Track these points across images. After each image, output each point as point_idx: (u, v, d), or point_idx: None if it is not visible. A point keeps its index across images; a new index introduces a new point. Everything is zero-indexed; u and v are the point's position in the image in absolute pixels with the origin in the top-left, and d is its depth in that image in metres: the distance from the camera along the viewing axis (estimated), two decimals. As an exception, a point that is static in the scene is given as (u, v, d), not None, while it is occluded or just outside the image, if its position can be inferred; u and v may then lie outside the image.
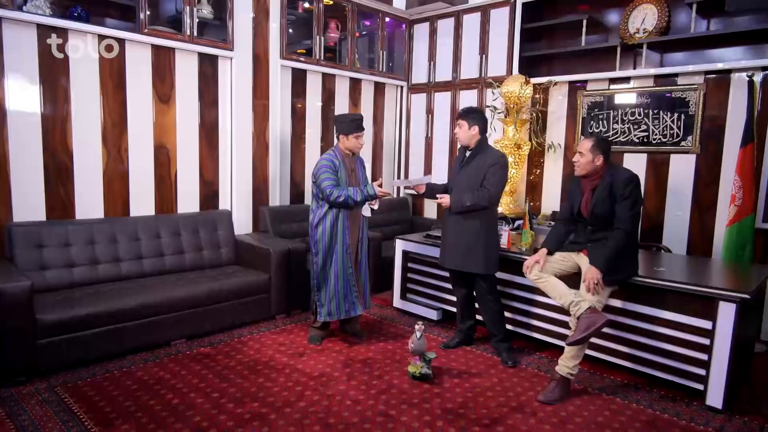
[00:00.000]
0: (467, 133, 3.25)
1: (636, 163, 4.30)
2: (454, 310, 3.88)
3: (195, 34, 4.05)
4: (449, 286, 3.95)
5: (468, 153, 3.31)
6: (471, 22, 5.26)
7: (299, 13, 5.00)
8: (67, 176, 3.60)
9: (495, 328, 3.39)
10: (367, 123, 5.55)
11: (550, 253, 3.11)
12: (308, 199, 5.02)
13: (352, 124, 3.41)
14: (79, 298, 3.15)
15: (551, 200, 4.93)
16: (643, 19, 4.22)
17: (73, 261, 3.46)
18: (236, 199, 4.52)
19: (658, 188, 4.24)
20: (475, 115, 3.25)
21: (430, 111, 5.73)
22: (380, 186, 3.37)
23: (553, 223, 4.48)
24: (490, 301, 3.35)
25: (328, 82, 5.18)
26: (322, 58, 4.97)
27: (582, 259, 3.02)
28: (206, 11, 4.23)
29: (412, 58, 5.85)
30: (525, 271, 3.07)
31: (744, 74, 3.78)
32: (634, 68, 4.38)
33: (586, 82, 4.62)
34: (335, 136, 3.50)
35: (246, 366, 3.14)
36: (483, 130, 3.28)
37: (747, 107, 3.64)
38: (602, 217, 2.89)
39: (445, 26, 5.48)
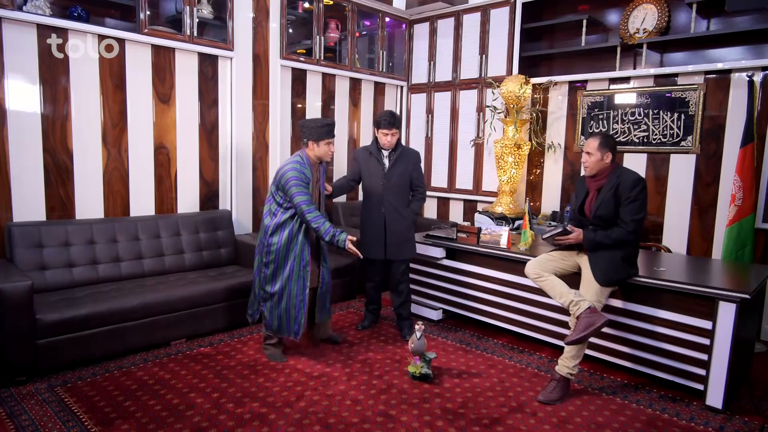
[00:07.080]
0: (395, 138, 3.52)
1: (636, 163, 4.30)
2: (455, 310, 3.97)
3: (195, 34, 4.05)
4: (450, 286, 3.97)
5: (388, 154, 3.56)
6: (471, 22, 5.26)
7: (299, 13, 5.00)
8: (67, 176, 3.60)
9: (405, 309, 3.70)
10: (367, 123, 5.58)
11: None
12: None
13: (323, 129, 3.08)
14: (79, 298, 3.15)
15: (551, 200, 4.93)
16: (643, 19, 4.22)
17: (73, 261, 3.46)
18: (236, 199, 4.52)
19: (658, 188, 4.24)
20: (400, 122, 3.60)
21: (430, 111, 5.72)
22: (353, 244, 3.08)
23: (553, 223, 4.49)
24: (405, 282, 3.68)
25: (328, 82, 5.18)
26: (322, 58, 4.97)
27: (582, 259, 3.02)
28: (206, 11, 4.23)
29: (412, 58, 5.85)
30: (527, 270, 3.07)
31: (744, 74, 3.78)
32: (634, 68, 4.38)
33: (586, 82, 4.62)
34: (303, 141, 3.16)
35: (246, 366, 3.14)
36: None
37: (747, 107, 3.64)
38: (605, 218, 2.88)
39: (445, 26, 5.48)
